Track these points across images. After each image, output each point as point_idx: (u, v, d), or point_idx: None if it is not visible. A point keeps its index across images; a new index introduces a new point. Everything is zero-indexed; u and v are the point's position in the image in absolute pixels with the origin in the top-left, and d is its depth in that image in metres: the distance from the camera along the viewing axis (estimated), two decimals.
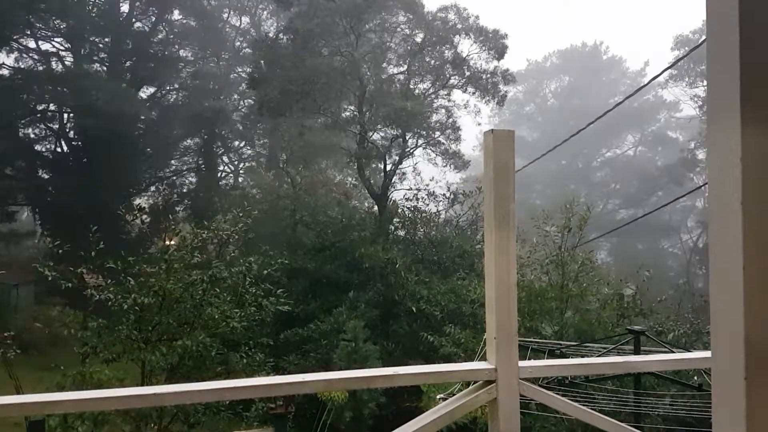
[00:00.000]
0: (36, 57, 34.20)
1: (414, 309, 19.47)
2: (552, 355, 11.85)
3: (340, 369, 16.56)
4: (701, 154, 43.99)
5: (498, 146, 3.13)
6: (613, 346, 12.00)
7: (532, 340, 13.03)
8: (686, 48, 40.59)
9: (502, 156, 3.12)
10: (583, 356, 11.82)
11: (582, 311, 16.81)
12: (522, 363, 3.08)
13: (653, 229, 46.56)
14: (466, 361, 13.79)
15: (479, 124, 31.10)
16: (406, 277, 20.46)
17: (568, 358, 11.70)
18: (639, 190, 51.85)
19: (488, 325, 3.13)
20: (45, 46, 34.35)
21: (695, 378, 11.66)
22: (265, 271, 13.69)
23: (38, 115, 33.94)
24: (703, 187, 32.01)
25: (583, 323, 16.46)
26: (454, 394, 9.86)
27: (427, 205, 26.02)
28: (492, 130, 3.18)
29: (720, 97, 1.31)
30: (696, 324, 17.40)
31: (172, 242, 14.04)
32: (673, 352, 10.25)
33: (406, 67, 27.27)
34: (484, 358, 3.22)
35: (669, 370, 9.22)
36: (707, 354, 3.90)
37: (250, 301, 12.97)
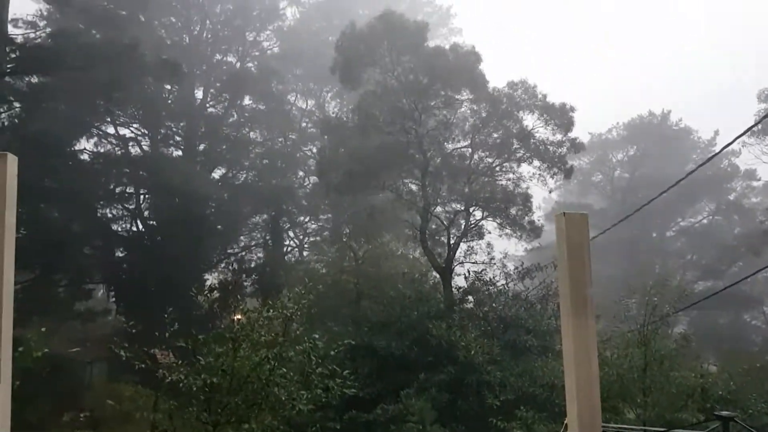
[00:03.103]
0: (114, 141, 36.34)
1: (487, 392, 18.75)
2: None
3: None
4: None
5: (571, 230, 2.97)
6: None
7: (615, 426, 12.26)
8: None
9: (575, 240, 2.96)
10: None
11: (667, 393, 15.74)
12: None
13: (734, 302, 44.12)
14: None
15: (550, 191, 30.73)
16: (476, 356, 19.81)
17: None
18: (717, 260, 49.59)
19: (570, 417, 2.91)
20: (123, 131, 36.60)
21: None
22: (332, 352, 13.53)
23: (116, 197, 35.66)
24: None
25: (668, 407, 15.42)
26: None
27: (497, 280, 25.46)
28: (564, 213, 3.04)
29: None
30: None
31: (240, 318, 14.12)
32: None
33: (470, 141, 27.48)
34: None
35: None
36: None
37: (317, 383, 12.78)
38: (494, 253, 27.69)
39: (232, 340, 12.55)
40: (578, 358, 2.86)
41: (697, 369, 17.40)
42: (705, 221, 56.34)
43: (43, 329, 13.68)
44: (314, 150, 40.50)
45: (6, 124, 29.02)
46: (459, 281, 26.65)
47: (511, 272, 25.91)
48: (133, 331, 13.83)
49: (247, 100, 41.67)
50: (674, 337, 20.23)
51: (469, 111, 27.35)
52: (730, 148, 46.20)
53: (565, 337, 2.94)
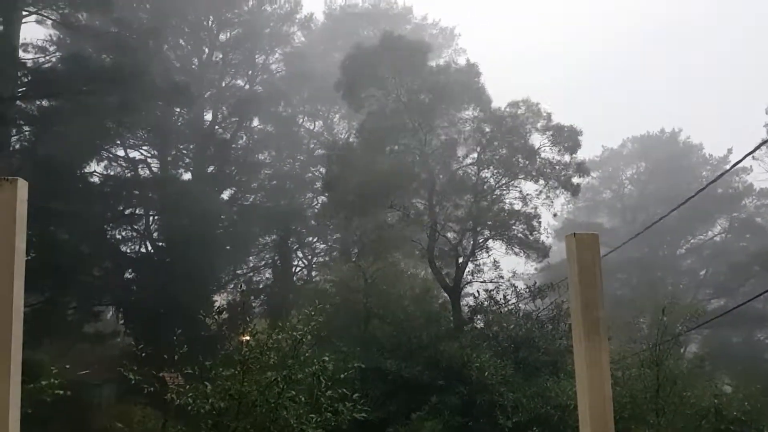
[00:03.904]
0: (124, 164, 36.61)
1: (499, 413, 18.54)
2: None
3: None
4: None
5: (581, 251, 2.95)
6: None
7: None
8: None
9: (586, 261, 2.94)
10: None
11: (681, 414, 15.51)
12: None
13: (747, 320, 43.56)
14: None
15: (555, 215, 30.63)
16: (488, 377, 19.62)
17: None
18: (729, 278, 49.09)
19: None
20: (133, 153, 36.89)
21: None
22: (342, 375, 13.42)
23: (125, 218, 35.77)
24: None
25: (681, 429, 15.18)
26: None
27: (509, 299, 25.29)
28: (575, 234, 3.02)
29: None
30: None
31: (248, 339, 14.01)
32: None
33: (475, 159, 27.51)
34: None
35: None
36: None
37: (326, 406, 12.65)
38: (503, 272, 27.54)
39: (241, 363, 12.47)
40: (591, 379, 2.82)
41: (711, 389, 17.15)
42: (717, 239, 55.87)
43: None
44: (322, 170, 40.69)
45: (16, 147, 29.29)
46: (468, 301, 26.53)
47: (522, 291, 25.76)
48: (143, 354, 13.83)
49: (255, 122, 42.10)
50: (687, 357, 20.01)
51: (472, 129, 27.42)
52: (740, 164, 46.00)
53: (577, 358, 2.91)
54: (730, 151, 54.55)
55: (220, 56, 40.42)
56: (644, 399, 15.28)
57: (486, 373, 19.59)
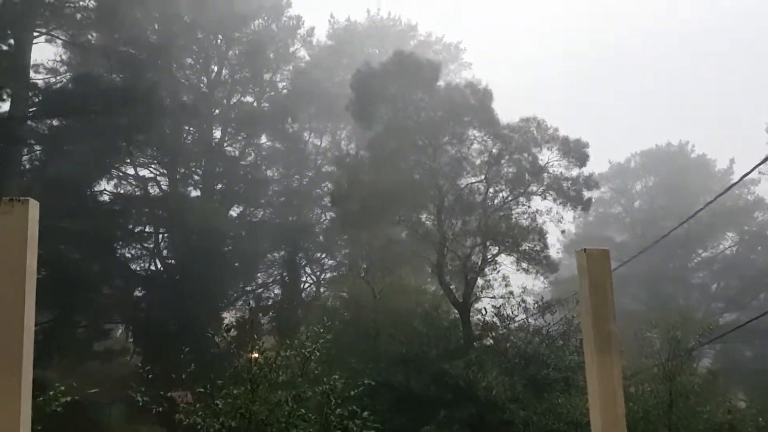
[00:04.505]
0: (134, 182, 36.86)
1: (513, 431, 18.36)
2: None
3: None
4: None
5: (592, 266, 2.93)
6: None
7: None
8: None
9: (597, 276, 2.92)
10: None
11: (694, 430, 15.31)
12: None
13: (760, 334, 43.11)
14: None
15: (563, 232, 30.50)
16: (496, 394, 19.46)
17: None
18: (741, 292, 48.69)
19: None
20: (143, 172, 37.16)
21: None
22: (352, 392, 13.35)
23: (135, 236, 35.96)
24: None
25: None
26: None
27: (516, 314, 25.13)
28: (585, 249, 3.00)
29: None
30: None
31: (257, 356, 13.93)
32: None
33: (483, 176, 27.47)
34: None
35: None
36: None
37: (336, 424, 12.56)
38: (512, 287, 27.36)
39: (250, 381, 12.40)
40: (603, 395, 2.79)
41: (725, 404, 16.92)
42: (728, 252, 55.47)
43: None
44: (330, 186, 40.79)
45: (27, 167, 29.55)
46: (479, 317, 26.37)
47: (531, 307, 25.57)
48: (150, 376, 13.82)
49: (263, 139, 42.39)
50: (700, 372, 19.79)
51: (480, 147, 27.43)
52: (749, 177, 45.75)
53: (589, 374, 2.88)
54: (732, 161, 54.47)
55: (228, 74, 40.77)
56: (657, 415, 15.10)
57: (494, 392, 19.41)
